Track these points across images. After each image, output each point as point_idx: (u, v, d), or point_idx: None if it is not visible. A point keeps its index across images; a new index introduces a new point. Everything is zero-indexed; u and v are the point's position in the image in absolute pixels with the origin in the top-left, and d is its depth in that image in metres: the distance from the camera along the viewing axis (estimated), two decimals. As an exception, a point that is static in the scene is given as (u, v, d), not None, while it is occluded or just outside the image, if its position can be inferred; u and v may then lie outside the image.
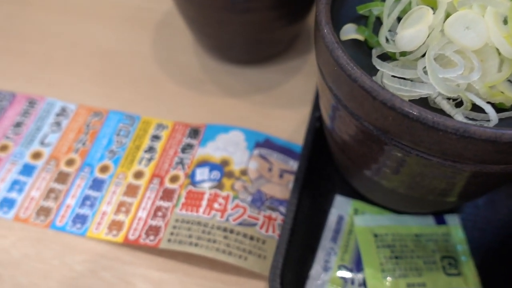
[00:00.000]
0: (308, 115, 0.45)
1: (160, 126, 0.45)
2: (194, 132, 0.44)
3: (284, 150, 0.42)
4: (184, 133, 0.44)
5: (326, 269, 0.35)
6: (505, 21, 0.24)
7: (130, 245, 0.37)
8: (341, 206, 0.38)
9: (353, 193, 0.38)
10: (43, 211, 0.39)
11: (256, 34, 0.45)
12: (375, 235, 0.36)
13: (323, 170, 0.40)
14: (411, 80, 0.24)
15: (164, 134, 0.44)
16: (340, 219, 0.37)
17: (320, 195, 0.39)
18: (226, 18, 0.42)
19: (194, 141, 0.43)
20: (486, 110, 0.24)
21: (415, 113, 0.22)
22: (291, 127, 0.44)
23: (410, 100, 0.24)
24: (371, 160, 0.29)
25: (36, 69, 0.50)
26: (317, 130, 0.40)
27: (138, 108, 0.46)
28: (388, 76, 0.24)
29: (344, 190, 0.39)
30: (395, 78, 0.24)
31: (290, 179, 0.40)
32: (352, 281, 0.34)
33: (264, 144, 0.42)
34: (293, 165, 0.41)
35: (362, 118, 0.25)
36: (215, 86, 0.48)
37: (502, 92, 0.24)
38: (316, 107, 0.41)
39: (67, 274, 0.37)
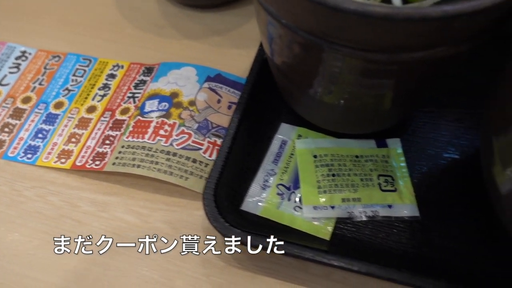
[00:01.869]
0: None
1: (116, 66, 0.45)
2: (148, 70, 0.44)
3: (235, 84, 0.42)
4: (139, 72, 0.44)
5: (264, 187, 0.35)
6: None
7: (77, 171, 0.38)
8: (286, 133, 0.38)
9: (299, 122, 0.39)
10: (-3, 143, 0.40)
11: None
12: (315, 156, 0.36)
13: (269, 101, 0.40)
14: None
15: (119, 73, 0.44)
16: (283, 144, 0.37)
17: (265, 123, 0.39)
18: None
19: (147, 78, 0.43)
20: (393, 1, 0.24)
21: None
22: (245, 64, 0.45)
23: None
24: (309, 75, 0.29)
25: (-1, 18, 0.51)
26: (264, 61, 0.40)
27: (97, 51, 0.47)
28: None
29: (290, 119, 0.39)
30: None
31: (238, 110, 0.40)
32: (289, 197, 0.34)
33: (215, 78, 0.42)
34: (243, 98, 0.41)
35: (292, 25, 0.25)
36: (174, 30, 0.49)
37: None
38: (264, 39, 0.41)
39: (15, 198, 0.37)
